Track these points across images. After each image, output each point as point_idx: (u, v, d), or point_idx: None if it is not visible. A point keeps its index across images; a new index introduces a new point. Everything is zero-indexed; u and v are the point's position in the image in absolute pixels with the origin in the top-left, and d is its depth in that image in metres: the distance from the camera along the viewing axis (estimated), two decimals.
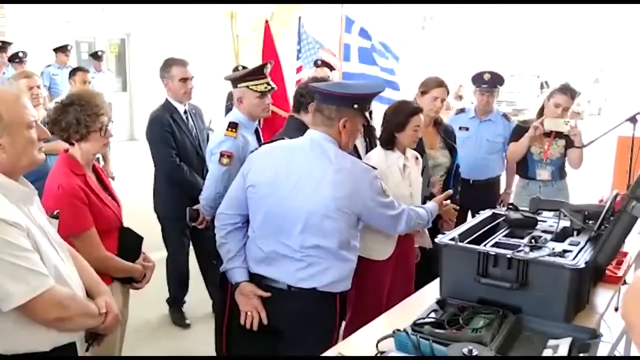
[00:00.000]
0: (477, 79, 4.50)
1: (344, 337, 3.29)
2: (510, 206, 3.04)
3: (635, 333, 0.73)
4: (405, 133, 3.14)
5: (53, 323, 1.71)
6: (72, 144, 2.39)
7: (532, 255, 1.99)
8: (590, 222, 2.33)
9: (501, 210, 2.64)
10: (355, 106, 2.29)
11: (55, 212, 1.97)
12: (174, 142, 3.79)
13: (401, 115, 3.14)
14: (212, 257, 4.04)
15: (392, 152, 3.19)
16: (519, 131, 4.14)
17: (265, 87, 3.20)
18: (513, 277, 1.97)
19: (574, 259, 1.96)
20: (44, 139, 1.81)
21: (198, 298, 4.36)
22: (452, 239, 2.14)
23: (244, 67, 7.77)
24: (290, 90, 7.10)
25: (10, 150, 1.69)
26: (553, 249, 2.05)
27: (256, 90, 3.18)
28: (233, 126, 3.18)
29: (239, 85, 3.21)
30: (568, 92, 4.00)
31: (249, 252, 2.44)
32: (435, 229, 3.65)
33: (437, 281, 2.26)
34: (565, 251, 2.04)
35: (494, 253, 2.01)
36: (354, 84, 2.34)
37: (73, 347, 1.81)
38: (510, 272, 1.98)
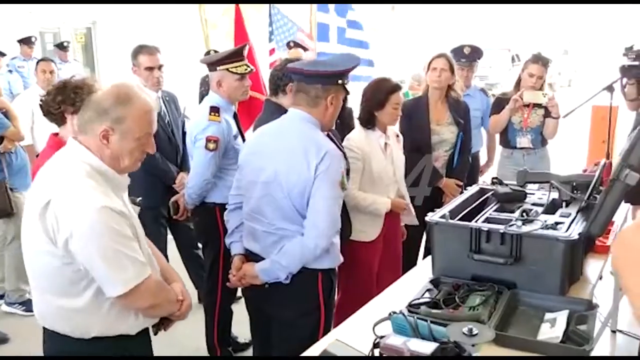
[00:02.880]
0: (457, 53, 4.46)
1: (336, 320, 3.28)
2: (495, 180, 3.04)
3: (632, 295, 0.74)
4: (385, 111, 3.09)
5: (145, 310, 1.81)
6: (64, 123, 2.34)
7: (525, 229, 1.96)
8: (579, 192, 2.32)
9: (488, 185, 2.61)
10: (339, 82, 2.27)
11: (137, 200, 2.07)
12: None
13: (380, 93, 3.08)
14: (193, 247, 3.99)
15: (373, 132, 3.14)
16: (499, 103, 4.15)
17: (245, 69, 3.13)
18: (506, 252, 1.95)
19: (566, 230, 1.93)
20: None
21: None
22: (443, 217, 2.10)
23: (215, 52, 7.68)
24: (264, 73, 7.01)
25: (115, 150, 1.75)
26: (545, 221, 2.02)
27: (236, 73, 3.12)
28: (215, 110, 3.12)
29: (218, 68, 3.14)
30: (540, 60, 4.07)
31: (243, 229, 2.49)
32: (434, 205, 3.63)
33: (429, 260, 2.23)
34: (557, 223, 2.01)
35: (486, 229, 1.98)
36: (332, 60, 2.31)
37: (147, 331, 1.92)
38: (504, 248, 1.95)
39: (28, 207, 1.75)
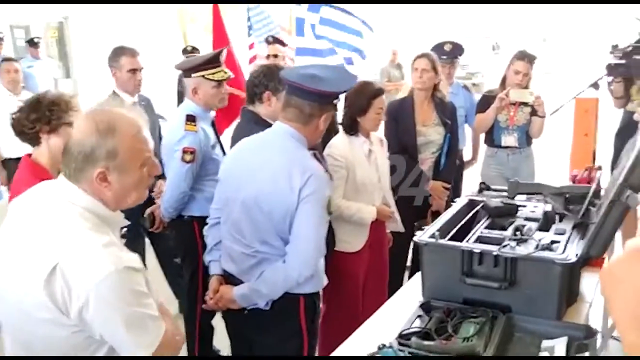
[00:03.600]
0: (437, 50, 4.36)
1: (321, 331, 3.18)
2: (482, 185, 2.95)
3: (621, 330, 0.76)
4: (368, 117, 2.98)
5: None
6: (38, 143, 2.19)
7: (519, 250, 1.86)
8: (572, 206, 2.23)
9: (477, 196, 2.51)
10: (335, 101, 2.16)
11: (123, 232, 1.82)
12: None
13: (363, 98, 2.97)
14: (173, 256, 3.85)
15: (356, 138, 3.02)
16: (485, 102, 4.06)
17: (222, 76, 2.98)
18: (500, 275, 1.85)
19: (563, 251, 1.84)
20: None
21: (162, 299, 4.14)
22: (432, 236, 1.99)
23: (193, 48, 7.48)
24: (244, 68, 6.84)
25: (118, 189, 1.52)
26: (540, 240, 1.93)
27: (212, 80, 2.97)
28: (191, 119, 2.95)
29: (193, 75, 2.98)
30: (525, 57, 3.98)
31: (222, 247, 2.35)
32: (422, 208, 3.55)
33: (418, 278, 2.12)
34: (552, 242, 1.92)
35: (478, 250, 1.87)
36: (330, 77, 2.13)
37: None
38: (497, 270, 1.85)
39: (11, 258, 1.49)
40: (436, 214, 3.58)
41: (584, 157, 6.61)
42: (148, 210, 3.36)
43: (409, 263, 3.79)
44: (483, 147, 4.31)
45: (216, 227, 2.35)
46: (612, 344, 2.77)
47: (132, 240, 3.83)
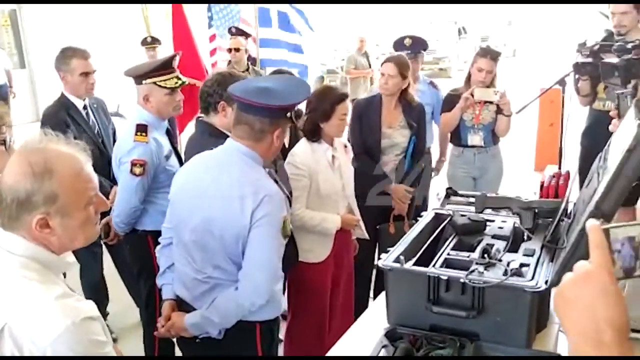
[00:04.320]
0: (398, 46, 4.26)
1: (285, 342, 3.08)
2: (449, 190, 2.86)
3: (575, 347, 0.81)
4: (331, 123, 2.86)
5: None
6: None
7: (487, 275, 1.78)
8: (541, 220, 2.16)
9: (443, 209, 2.42)
10: (288, 114, 2.02)
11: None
12: None
13: (326, 103, 2.84)
14: (130, 267, 3.68)
15: (319, 145, 2.90)
16: (450, 101, 3.97)
17: (175, 83, 2.82)
18: (468, 303, 1.76)
19: (532, 276, 1.76)
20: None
21: (123, 307, 4.00)
22: (397, 260, 1.89)
23: (153, 39, 7.22)
24: (206, 62, 6.64)
25: (62, 233, 1.38)
26: (508, 263, 1.85)
27: (165, 87, 2.80)
28: (142, 129, 2.79)
29: (144, 82, 2.81)
30: (488, 54, 3.89)
31: (175, 270, 2.22)
32: (385, 212, 3.46)
33: (382, 301, 2.02)
34: (522, 265, 1.84)
35: (445, 277, 1.78)
36: (281, 89, 2.00)
37: None
38: (465, 298, 1.77)
39: None
40: (398, 218, 3.51)
41: (550, 148, 6.66)
42: (103, 221, 3.19)
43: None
44: (450, 146, 4.24)
45: (169, 248, 2.23)
46: None
47: (89, 247, 3.67)
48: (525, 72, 15.85)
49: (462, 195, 2.74)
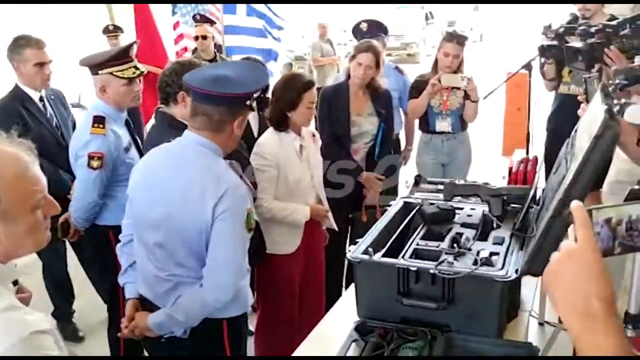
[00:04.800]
0: (357, 33, 4.20)
1: (257, 336, 3.04)
2: (418, 178, 2.84)
3: (566, 322, 0.84)
4: (299, 111, 2.79)
5: None
6: None
7: (457, 266, 1.75)
8: (510, 207, 2.14)
9: (412, 197, 2.39)
10: (248, 102, 1.93)
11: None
12: (28, 136, 3.21)
13: (292, 91, 2.77)
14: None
15: (286, 134, 2.84)
16: (417, 87, 3.93)
17: (133, 73, 2.72)
18: (438, 294, 1.73)
19: (502, 266, 1.74)
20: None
21: (89, 304, 3.88)
22: (366, 252, 1.85)
23: (115, 27, 7.01)
24: (170, 51, 6.48)
25: (6, 241, 1.26)
26: (478, 252, 1.82)
27: (122, 77, 2.70)
28: (99, 121, 2.68)
29: (100, 72, 2.70)
30: (455, 39, 3.83)
31: (137, 268, 2.14)
32: (355, 199, 3.42)
33: (352, 293, 1.98)
34: (492, 254, 1.82)
35: (415, 268, 1.75)
36: (238, 76, 1.92)
37: None
38: (435, 289, 1.74)
39: None
40: (370, 206, 3.47)
41: (518, 132, 6.69)
42: (62, 218, 3.08)
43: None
44: (418, 133, 4.21)
45: (130, 245, 2.14)
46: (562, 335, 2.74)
47: (49, 248, 3.55)
48: (492, 56, 15.95)
49: (430, 183, 2.73)
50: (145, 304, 2.07)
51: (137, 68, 2.72)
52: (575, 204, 0.89)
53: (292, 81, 2.81)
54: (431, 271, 1.72)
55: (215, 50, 5.66)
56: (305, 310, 3.05)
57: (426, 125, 4.00)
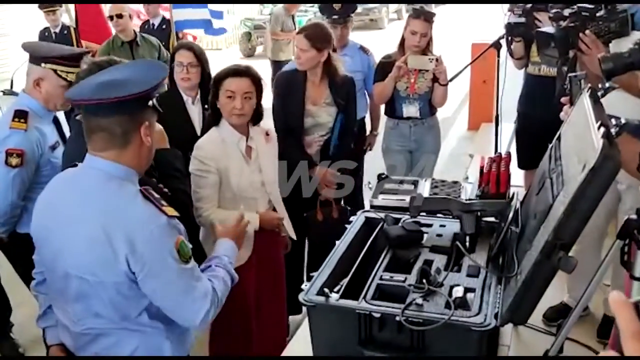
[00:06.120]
0: (326, 10, 3.85)
1: (210, 346, 2.78)
2: (382, 175, 2.61)
3: None
4: (220, 102, 2.51)
5: None
6: None
7: (427, 309, 1.50)
8: (483, 223, 1.90)
9: (374, 213, 2.11)
10: (150, 103, 1.61)
11: None
12: None
13: (214, 81, 2.53)
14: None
15: (230, 134, 2.54)
16: (383, 69, 3.63)
17: (75, 79, 2.43)
18: (406, 343, 1.48)
19: (479, 309, 1.49)
20: None
21: (30, 313, 3.55)
22: (321, 293, 1.58)
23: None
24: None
25: None
26: (450, 289, 1.57)
27: (64, 79, 2.47)
28: (21, 115, 2.45)
29: (43, 65, 2.46)
30: (422, 15, 3.52)
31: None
32: (311, 199, 3.15)
33: (306, 330, 1.71)
34: (467, 290, 1.57)
35: (378, 315, 1.49)
36: (130, 74, 1.60)
37: None
38: (402, 337, 1.49)
39: None
40: (326, 203, 3.20)
41: (484, 106, 6.46)
42: None
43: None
44: (383, 118, 3.92)
45: (46, 285, 1.83)
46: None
47: None
48: (454, 24, 15.63)
49: (396, 182, 2.50)
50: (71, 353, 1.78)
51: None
52: (615, 297, 0.61)
53: (220, 71, 2.53)
54: (397, 319, 1.46)
55: (153, 26, 5.17)
56: (265, 321, 2.81)
57: (392, 110, 3.72)
